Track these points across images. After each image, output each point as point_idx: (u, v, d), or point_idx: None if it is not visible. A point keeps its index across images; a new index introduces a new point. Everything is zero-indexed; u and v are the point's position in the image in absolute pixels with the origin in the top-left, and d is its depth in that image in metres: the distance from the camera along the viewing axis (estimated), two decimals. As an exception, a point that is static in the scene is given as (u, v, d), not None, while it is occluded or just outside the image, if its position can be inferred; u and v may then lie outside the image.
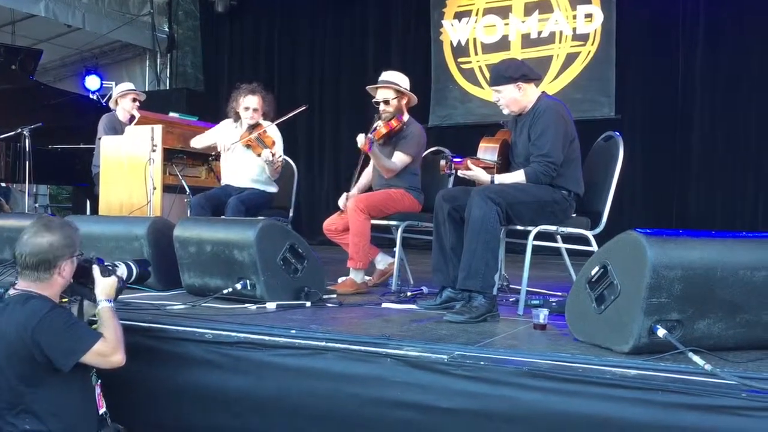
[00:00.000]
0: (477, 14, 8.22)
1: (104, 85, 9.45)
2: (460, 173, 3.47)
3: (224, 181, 4.89)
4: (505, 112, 3.50)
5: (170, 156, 5.16)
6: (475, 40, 8.23)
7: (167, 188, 5.12)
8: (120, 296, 3.11)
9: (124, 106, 5.85)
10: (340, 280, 4.07)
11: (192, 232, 3.61)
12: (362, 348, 2.55)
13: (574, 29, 7.68)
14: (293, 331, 2.74)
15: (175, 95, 9.26)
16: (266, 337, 2.71)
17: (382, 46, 8.80)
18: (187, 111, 6.56)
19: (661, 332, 2.27)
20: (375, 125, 4.18)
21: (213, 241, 3.48)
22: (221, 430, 2.76)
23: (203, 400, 2.78)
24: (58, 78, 10.60)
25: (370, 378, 2.50)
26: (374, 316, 3.27)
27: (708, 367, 2.11)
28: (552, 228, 3.42)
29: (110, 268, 2.66)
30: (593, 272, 2.52)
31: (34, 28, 9.27)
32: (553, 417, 2.22)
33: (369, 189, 4.43)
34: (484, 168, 3.43)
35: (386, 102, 4.21)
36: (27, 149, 6.53)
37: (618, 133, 3.60)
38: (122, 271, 2.79)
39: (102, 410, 2.54)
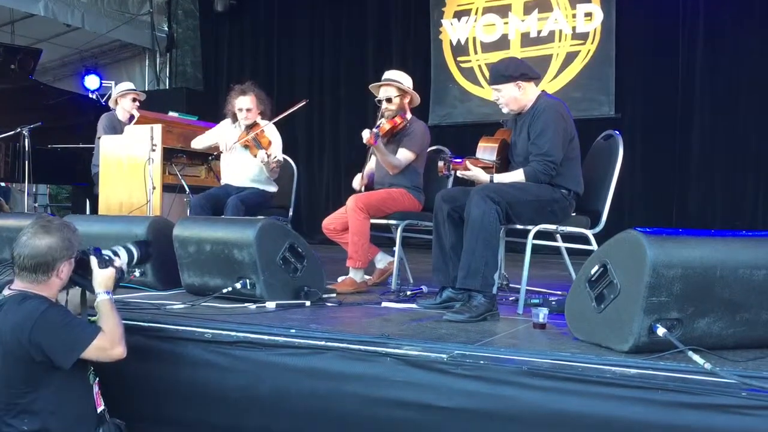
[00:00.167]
0: (476, 13, 8.22)
1: (103, 85, 9.46)
2: (459, 173, 3.47)
3: (224, 181, 4.89)
4: (505, 111, 3.50)
5: (170, 155, 5.16)
6: (474, 39, 8.23)
7: (167, 188, 5.12)
8: (120, 296, 3.11)
9: (124, 106, 5.85)
10: (339, 279, 4.06)
11: (191, 232, 3.61)
12: (362, 347, 2.55)
13: (574, 28, 7.68)
14: (293, 331, 2.74)
15: (174, 95, 9.26)
16: (266, 337, 2.71)
17: (382, 46, 8.80)
18: (187, 110, 6.56)
19: (661, 331, 2.27)
20: (378, 122, 4.19)
21: (213, 240, 3.48)
22: (221, 429, 2.76)
23: (203, 400, 2.78)
24: (58, 77, 10.61)
25: (369, 377, 2.50)
26: (374, 315, 3.27)
27: (708, 365, 2.11)
28: (552, 227, 3.42)
29: (107, 258, 2.61)
30: (593, 271, 2.52)
31: (34, 27, 9.28)
32: (553, 416, 2.22)
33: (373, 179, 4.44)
34: (483, 168, 3.43)
35: (389, 100, 4.21)
36: (26, 149, 6.53)
37: (618, 132, 3.60)
38: (123, 256, 2.73)
39: (100, 408, 2.54)
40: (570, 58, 7.69)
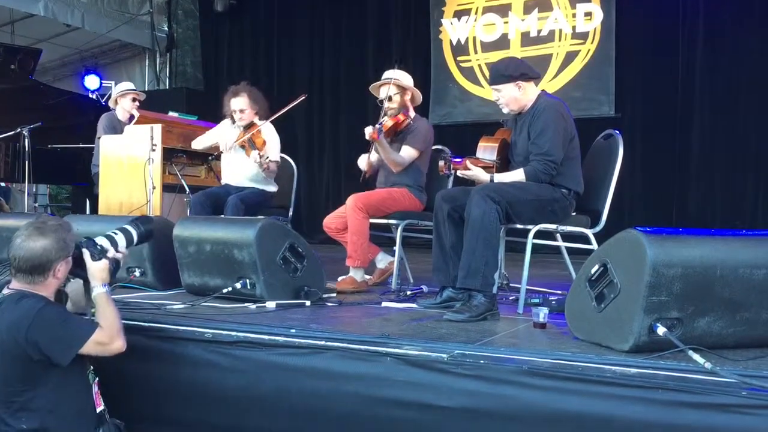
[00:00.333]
0: (476, 13, 8.22)
1: (103, 85, 9.45)
2: (459, 173, 3.47)
3: (224, 181, 4.89)
4: (505, 110, 3.50)
5: (170, 155, 5.16)
6: (474, 38, 8.23)
7: (167, 188, 5.11)
8: (121, 296, 3.11)
9: (124, 106, 5.85)
10: (339, 279, 4.06)
11: (191, 232, 3.61)
12: (362, 347, 2.55)
13: (574, 28, 7.68)
14: (293, 330, 2.73)
15: (174, 95, 9.26)
16: (266, 337, 2.71)
17: (382, 45, 8.80)
18: (187, 110, 6.56)
19: (661, 330, 2.27)
20: (381, 120, 4.18)
21: (213, 240, 3.48)
22: (221, 429, 2.76)
23: (203, 400, 2.78)
24: (58, 77, 10.61)
25: (369, 377, 2.50)
26: (374, 315, 3.27)
27: (708, 365, 2.11)
28: (552, 226, 3.42)
29: (100, 249, 2.57)
30: (593, 271, 2.52)
31: (34, 27, 9.28)
32: (553, 415, 2.22)
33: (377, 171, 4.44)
34: (483, 167, 3.43)
35: (389, 98, 4.21)
36: (26, 149, 6.53)
37: (618, 132, 3.61)
38: (120, 240, 2.68)
39: (100, 408, 2.53)
40: (570, 57, 7.69)
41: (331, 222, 4.22)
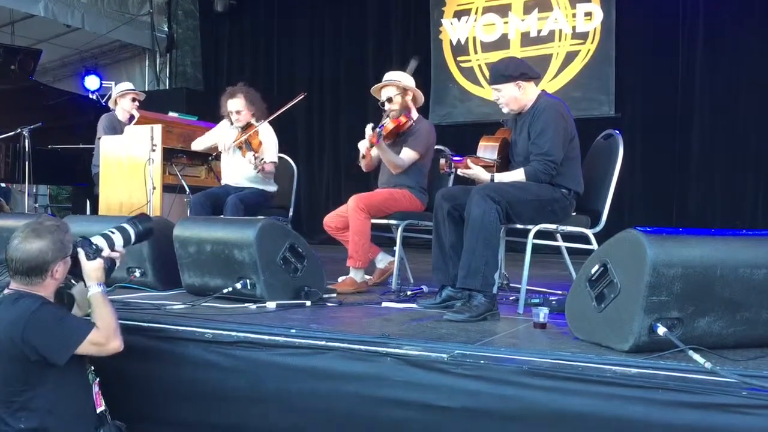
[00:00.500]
0: (476, 13, 8.22)
1: (104, 85, 9.45)
2: (459, 172, 3.47)
3: (224, 181, 4.90)
4: (505, 110, 3.50)
5: (170, 156, 5.16)
6: (474, 38, 8.23)
7: (167, 188, 5.11)
8: (120, 297, 3.10)
9: (124, 106, 5.85)
10: (340, 279, 4.06)
11: (192, 232, 3.61)
12: (362, 347, 2.55)
13: (574, 28, 7.68)
14: (293, 331, 2.73)
15: (174, 95, 9.27)
16: (266, 337, 2.71)
17: (382, 45, 8.80)
18: (187, 111, 6.56)
19: (662, 330, 2.27)
20: (383, 122, 4.17)
21: (213, 240, 3.48)
22: (221, 429, 2.76)
23: (203, 400, 2.78)
24: (58, 78, 10.61)
25: (370, 377, 2.50)
26: (374, 315, 3.27)
27: (708, 365, 2.11)
28: (552, 226, 3.42)
29: (95, 248, 2.56)
30: (593, 271, 2.52)
31: (34, 28, 9.28)
32: (554, 415, 2.22)
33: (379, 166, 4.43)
34: (484, 167, 3.43)
35: (389, 100, 4.20)
36: (26, 149, 6.53)
37: (618, 132, 3.61)
38: (117, 239, 2.67)
39: (100, 408, 2.53)
40: (570, 57, 7.69)
41: (331, 221, 4.22)
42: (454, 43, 8.34)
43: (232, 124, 4.83)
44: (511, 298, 3.70)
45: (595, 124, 5.80)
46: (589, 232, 3.49)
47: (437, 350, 2.45)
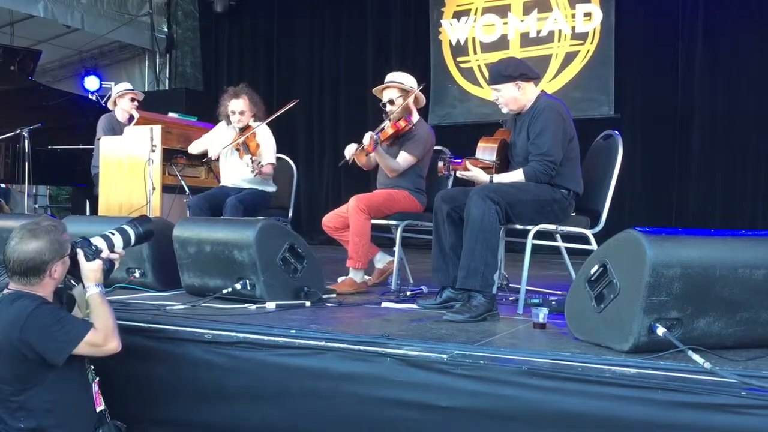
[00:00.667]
0: (476, 13, 8.22)
1: (103, 86, 9.44)
2: (458, 174, 3.47)
3: (222, 182, 4.90)
4: (504, 111, 3.50)
5: (169, 156, 5.16)
6: (474, 39, 8.23)
7: (166, 188, 5.11)
8: (120, 297, 3.10)
9: (123, 106, 5.85)
10: (339, 279, 4.07)
11: (191, 233, 3.61)
12: (362, 347, 2.55)
13: (573, 28, 7.68)
14: (293, 331, 2.74)
15: (174, 95, 9.25)
16: (266, 337, 2.71)
17: (381, 46, 8.80)
18: (187, 111, 6.56)
19: (661, 331, 2.27)
20: (382, 125, 4.17)
21: (212, 241, 3.48)
22: (221, 429, 2.76)
23: (203, 400, 2.78)
24: (57, 79, 10.60)
25: (369, 377, 2.50)
26: (374, 315, 3.27)
27: (707, 365, 2.11)
28: (551, 227, 3.42)
29: (94, 249, 2.56)
30: (593, 271, 2.52)
31: (33, 28, 9.27)
32: (553, 416, 2.22)
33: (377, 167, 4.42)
34: (483, 168, 3.43)
35: (391, 102, 4.20)
36: (26, 150, 6.53)
37: (617, 132, 3.61)
38: (117, 241, 2.67)
39: (100, 408, 2.53)
40: (569, 58, 7.69)
41: (330, 221, 4.22)
42: (454, 44, 8.34)
43: (228, 124, 4.82)
44: (510, 298, 3.71)
45: (595, 124, 5.81)
46: (589, 233, 3.49)
47: (437, 351, 2.45)
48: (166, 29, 10.15)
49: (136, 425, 2.75)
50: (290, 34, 9.42)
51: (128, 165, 5.12)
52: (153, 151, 4.95)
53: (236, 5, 9.67)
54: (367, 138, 3.94)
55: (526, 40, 7.92)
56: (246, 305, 3.34)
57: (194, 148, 4.96)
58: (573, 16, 7.68)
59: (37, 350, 2.34)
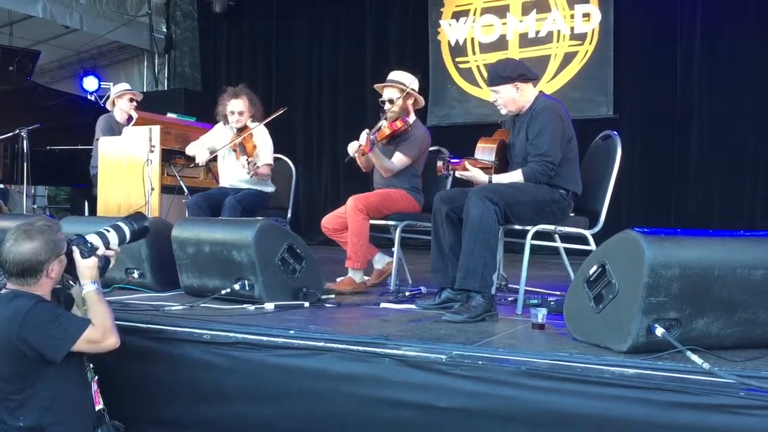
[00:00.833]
0: (475, 14, 8.23)
1: (102, 86, 9.44)
2: (457, 174, 3.47)
3: (221, 183, 4.89)
4: (503, 111, 3.50)
5: (168, 157, 5.16)
6: (473, 39, 8.23)
7: (165, 189, 5.11)
8: (119, 298, 3.09)
9: (122, 107, 5.85)
10: (338, 280, 4.06)
11: (190, 233, 3.61)
12: (361, 348, 2.55)
13: (572, 29, 7.69)
14: (291, 332, 2.74)
15: (173, 96, 9.25)
16: (264, 338, 2.71)
17: (380, 46, 8.80)
18: (185, 111, 6.55)
19: (660, 331, 2.27)
20: (379, 124, 4.17)
21: (211, 241, 3.48)
22: (219, 430, 2.76)
23: (202, 401, 2.78)
24: (56, 79, 10.59)
25: (368, 378, 2.50)
26: (373, 316, 3.27)
27: (706, 365, 2.11)
28: (550, 227, 3.42)
29: (90, 246, 2.55)
30: (591, 271, 2.52)
31: (32, 29, 9.27)
32: (552, 416, 2.22)
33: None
34: (482, 168, 3.43)
35: (391, 101, 4.20)
36: (25, 150, 6.52)
37: (616, 133, 3.61)
38: (113, 238, 2.66)
39: (99, 407, 2.53)
40: (568, 58, 7.69)
41: (328, 222, 4.22)
42: (453, 44, 8.34)
43: (226, 124, 4.82)
44: (509, 298, 3.71)
45: (594, 125, 5.80)
46: (588, 233, 3.49)
47: (436, 351, 2.45)
48: (164, 29, 10.14)
49: (135, 425, 2.74)
50: (289, 35, 9.43)
51: (127, 165, 5.12)
52: (152, 151, 4.95)
53: (235, 6, 9.67)
54: (364, 137, 3.95)
55: (524, 41, 7.93)
56: (245, 306, 3.33)
57: (189, 151, 4.95)
58: (572, 16, 7.69)
59: (35, 348, 2.34)
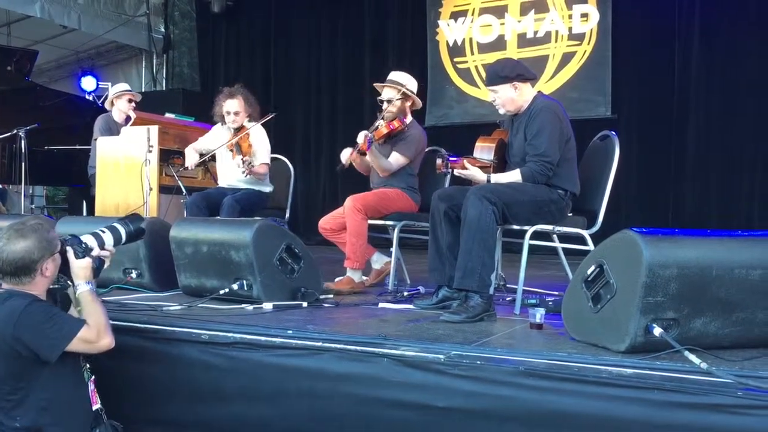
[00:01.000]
0: (473, 14, 8.23)
1: (100, 86, 9.44)
2: (456, 172, 3.47)
3: (220, 183, 4.89)
4: (502, 111, 3.50)
5: (166, 157, 5.15)
6: (471, 39, 8.24)
7: (163, 189, 5.10)
8: (117, 298, 3.09)
9: (120, 107, 5.85)
10: (336, 280, 4.06)
11: (188, 233, 3.61)
12: (359, 348, 2.55)
13: (570, 29, 7.69)
14: (290, 332, 2.73)
15: (171, 96, 9.25)
16: (263, 338, 2.71)
17: (379, 47, 8.80)
18: (183, 111, 6.55)
19: (657, 331, 2.27)
20: (376, 124, 4.18)
21: (209, 241, 3.48)
22: (218, 430, 2.76)
23: (200, 401, 2.78)
24: (54, 79, 10.58)
25: (366, 378, 2.50)
26: (371, 316, 3.27)
27: (704, 365, 2.11)
28: (548, 227, 3.42)
29: (84, 247, 2.55)
30: (589, 271, 2.52)
31: (30, 29, 9.26)
32: (550, 416, 2.22)
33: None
34: (481, 167, 3.44)
35: (389, 101, 4.21)
36: (23, 150, 6.52)
37: (614, 133, 3.61)
38: (108, 239, 2.65)
39: (96, 406, 2.52)
40: (566, 58, 7.70)
41: (326, 223, 4.23)
42: (451, 45, 8.35)
43: (223, 125, 4.82)
44: (507, 298, 3.71)
45: (592, 125, 5.81)
46: (586, 233, 3.49)
47: (434, 351, 2.45)
48: (163, 29, 10.14)
49: (133, 425, 2.74)
50: (287, 35, 9.43)
51: (125, 165, 5.11)
52: (150, 151, 4.95)
53: (233, 5, 9.67)
54: (362, 137, 3.96)
55: (523, 41, 7.94)
56: (243, 306, 3.33)
57: (185, 153, 4.95)
58: (570, 16, 7.69)
59: (30, 347, 2.33)
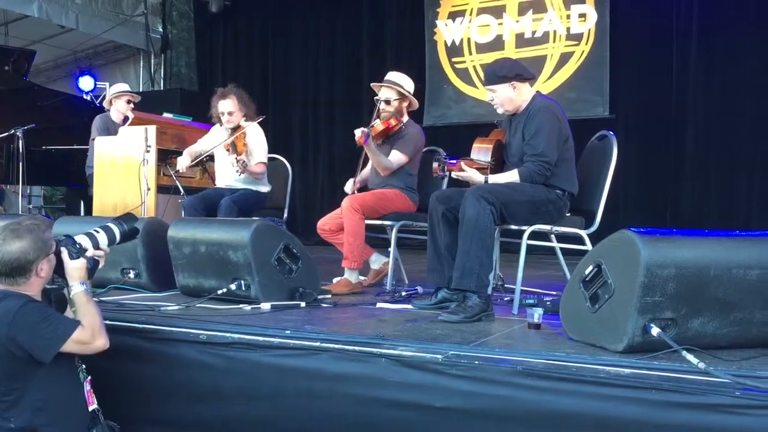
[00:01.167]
0: (471, 14, 8.23)
1: (98, 86, 9.44)
2: (453, 175, 3.47)
3: (218, 183, 4.89)
4: (500, 111, 3.50)
5: (164, 157, 5.15)
6: (469, 39, 8.24)
7: (161, 189, 5.10)
8: (115, 298, 3.08)
9: (119, 108, 5.84)
10: (334, 280, 4.07)
11: (186, 233, 3.61)
12: (357, 348, 2.55)
13: (568, 29, 7.70)
14: (288, 332, 2.73)
15: (169, 96, 9.23)
16: (261, 338, 2.71)
17: (377, 46, 8.80)
18: (181, 111, 6.55)
19: (655, 331, 2.27)
20: (373, 122, 4.19)
21: (207, 241, 3.48)
22: (215, 430, 2.76)
23: (198, 401, 2.77)
24: (52, 79, 10.56)
25: (364, 378, 2.50)
26: (369, 316, 3.27)
27: (702, 365, 2.12)
28: (546, 227, 3.42)
29: (79, 247, 2.54)
30: (587, 271, 2.52)
31: (28, 28, 9.25)
32: (548, 416, 2.23)
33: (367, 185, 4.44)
34: (478, 169, 3.43)
35: (387, 102, 4.22)
36: (20, 150, 6.51)
37: (612, 133, 3.62)
38: (102, 239, 2.64)
39: (92, 407, 2.52)
40: (564, 58, 7.70)
41: (325, 224, 4.23)
42: (449, 44, 8.35)
43: (221, 125, 4.82)
44: (505, 298, 3.71)
45: (590, 125, 5.81)
46: (584, 233, 3.49)
47: (432, 351, 2.45)
48: (160, 29, 10.12)
49: (130, 426, 2.74)
50: (286, 35, 9.42)
51: (123, 165, 5.11)
52: (147, 151, 4.95)
53: (231, 5, 9.67)
54: (358, 132, 3.97)
55: (521, 41, 7.94)
56: (241, 306, 3.33)
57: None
58: (568, 17, 7.70)
59: (25, 348, 2.33)
